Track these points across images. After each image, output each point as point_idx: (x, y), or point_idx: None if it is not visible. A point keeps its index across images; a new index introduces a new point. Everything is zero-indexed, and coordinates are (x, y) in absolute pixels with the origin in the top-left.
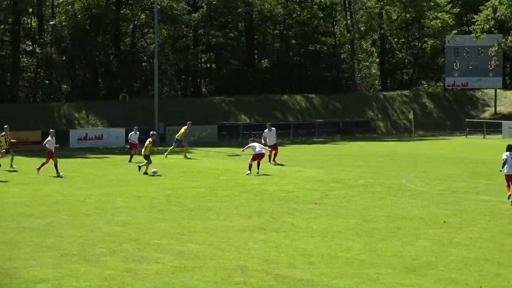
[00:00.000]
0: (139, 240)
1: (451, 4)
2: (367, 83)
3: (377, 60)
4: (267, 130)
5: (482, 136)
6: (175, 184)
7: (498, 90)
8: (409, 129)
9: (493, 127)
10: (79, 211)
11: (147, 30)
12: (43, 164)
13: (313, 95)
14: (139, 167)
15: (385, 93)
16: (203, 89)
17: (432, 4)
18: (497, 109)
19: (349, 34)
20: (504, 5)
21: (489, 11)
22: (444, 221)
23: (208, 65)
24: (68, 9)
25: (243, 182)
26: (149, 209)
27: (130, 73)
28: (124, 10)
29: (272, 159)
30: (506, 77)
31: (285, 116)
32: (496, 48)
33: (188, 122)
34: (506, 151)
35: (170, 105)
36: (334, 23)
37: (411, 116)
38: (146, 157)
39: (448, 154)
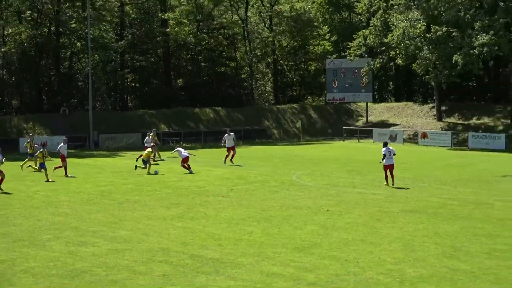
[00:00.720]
0: (79, 228)
1: (330, 34)
2: (263, 98)
3: (271, 79)
4: (226, 134)
5: (357, 140)
6: (108, 181)
7: (369, 103)
8: (298, 135)
9: (365, 133)
10: (28, 204)
11: (82, 55)
12: (60, 166)
13: (219, 108)
14: (135, 167)
15: (278, 106)
16: (130, 104)
17: (315, 34)
18: (368, 119)
19: (248, 59)
20: (372, 34)
21: (361, 39)
22: (327, 210)
23: (133, 83)
24: (17, 38)
25: (164, 180)
26: (87, 202)
27: (69, 91)
28: (63, 39)
29: (230, 159)
30: (375, 93)
31: (197, 126)
32: (367, 69)
33: (153, 130)
34: (383, 147)
35: (102, 117)
36: (236, 49)
37: (299, 125)
38: (144, 162)
39: (330, 155)
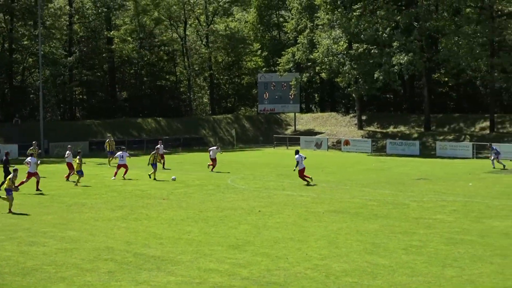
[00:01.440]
0: (30, 229)
1: (261, 50)
2: (200, 109)
3: (208, 92)
4: (215, 147)
5: (286, 147)
6: (57, 186)
7: (296, 114)
8: (232, 143)
9: (293, 141)
10: None
11: (33, 70)
12: (70, 174)
13: (160, 118)
14: (150, 175)
15: (214, 116)
16: (77, 114)
17: (248, 50)
18: (296, 128)
19: (186, 73)
20: (300, 51)
21: (289, 56)
22: (259, 211)
23: (81, 96)
24: None
25: (109, 184)
26: (37, 205)
27: (21, 102)
28: (16, 55)
29: (211, 169)
30: (302, 104)
31: (140, 134)
32: (295, 83)
33: (108, 135)
34: (296, 154)
35: (52, 127)
36: (176, 64)
37: (233, 133)
38: (153, 165)
39: (261, 161)
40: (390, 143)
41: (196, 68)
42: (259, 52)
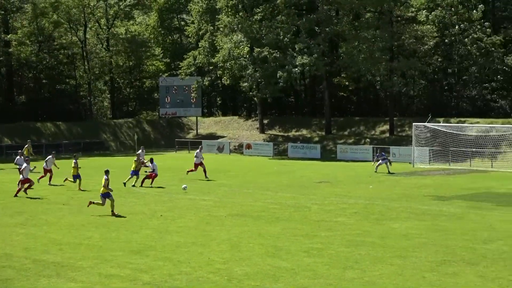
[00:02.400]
0: None
1: (162, 54)
2: (101, 113)
3: (109, 95)
4: (198, 150)
5: (188, 151)
6: None
7: (198, 117)
8: (134, 147)
9: (195, 145)
10: None
11: None
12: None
13: (60, 122)
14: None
15: (115, 120)
16: None
17: (149, 54)
18: (198, 131)
19: (86, 77)
20: (201, 55)
21: (191, 59)
22: (161, 215)
23: None
24: None
25: (7, 189)
26: None
27: None
28: None
29: (204, 175)
30: (204, 108)
31: (39, 139)
32: (196, 86)
33: (28, 141)
34: (151, 163)
35: None
36: (75, 68)
37: (135, 137)
38: (134, 173)
39: (163, 165)
40: (292, 146)
41: (96, 72)
42: (160, 55)
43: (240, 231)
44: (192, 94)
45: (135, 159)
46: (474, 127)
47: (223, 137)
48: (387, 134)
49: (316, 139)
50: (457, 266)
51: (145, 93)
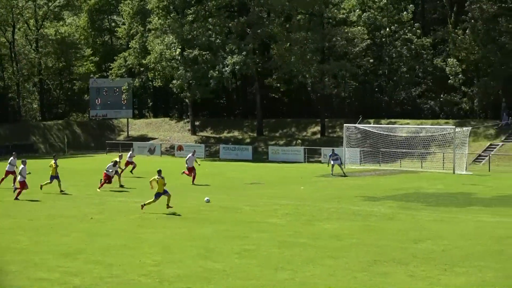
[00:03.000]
0: None
1: (93, 55)
2: (30, 115)
3: (38, 97)
4: (191, 155)
5: (119, 153)
6: None
7: (129, 119)
8: (64, 149)
9: (126, 147)
10: None
11: None
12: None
13: None
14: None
15: (44, 122)
16: None
17: (79, 55)
18: (129, 133)
19: (15, 78)
20: (132, 56)
21: (122, 61)
22: (92, 218)
23: None
24: None
25: None
26: None
27: None
28: None
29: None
30: (135, 110)
31: None
32: (127, 88)
33: None
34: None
35: None
36: (4, 69)
37: (65, 139)
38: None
39: (93, 167)
40: (223, 148)
41: (25, 73)
42: (91, 57)
43: (171, 233)
44: (123, 96)
45: (52, 163)
46: (404, 128)
47: (154, 138)
48: (319, 135)
49: (248, 140)
50: (388, 266)
51: (75, 94)
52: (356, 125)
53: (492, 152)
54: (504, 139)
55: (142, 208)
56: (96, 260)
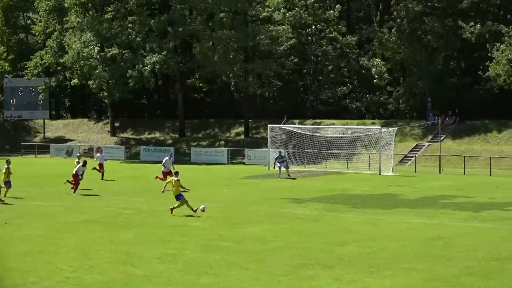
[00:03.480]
0: None
1: (7, 54)
2: None
3: None
4: (167, 158)
5: (34, 156)
6: None
7: (46, 120)
8: None
9: (43, 149)
10: None
11: None
12: None
13: None
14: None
15: None
16: None
17: None
18: (46, 135)
19: None
20: (48, 54)
21: (38, 59)
22: (6, 223)
23: None
24: None
25: None
26: None
27: None
28: None
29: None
30: (52, 110)
31: None
32: (43, 88)
33: None
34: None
35: None
36: None
37: None
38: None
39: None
40: (144, 149)
41: None
42: (4, 55)
43: (90, 237)
44: (39, 96)
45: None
46: (330, 128)
47: (72, 140)
48: (242, 136)
49: (170, 141)
50: (313, 269)
51: None
52: (281, 125)
53: (418, 153)
54: (430, 139)
55: (171, 212)
56: (11, 267)
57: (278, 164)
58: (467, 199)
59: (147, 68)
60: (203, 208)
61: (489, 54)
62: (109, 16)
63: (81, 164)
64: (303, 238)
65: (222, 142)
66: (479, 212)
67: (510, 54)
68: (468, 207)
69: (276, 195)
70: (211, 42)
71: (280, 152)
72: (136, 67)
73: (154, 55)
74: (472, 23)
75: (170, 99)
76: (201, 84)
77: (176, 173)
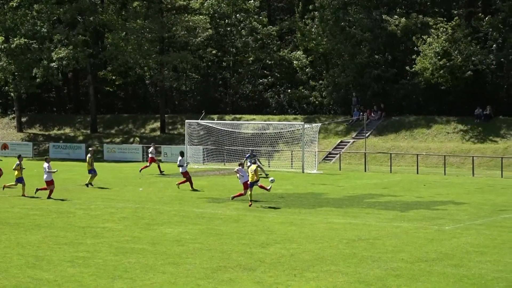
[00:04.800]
0: None
1: None
2: None
3: None
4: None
5: None
6: None
7: None
8: None
9: None
10: None
11: None
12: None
13: None
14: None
15: None
16: None
17: None
18: None
19: None
20: None
21: None
22: None
23: None
24: None
25: None
26: None
27: None
28: None
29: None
30: None
31: None
32: None
33: None
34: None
35: None
36: None
37: None
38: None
39: None
40: (54, 146)
41: None
42: None
43: None
44: None
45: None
46: (250, 124)
47: None
48: (158, 132)
49: (81, 138)
50: (233, 272)
51: None
52: (199, 121)
53: (343, 150)
54: (355, 135)
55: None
56: None
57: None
58: (393, 198)
59: (53, 64)
60: (272, 180)
61: (415, 48)
62: (14, 4)
63: (47, 164)
64: (223, 239)
65: (137, 138)
66: (406, 211)
67: (437, 47)
68: (394, 206)
69: (194, 194)
70: (124, 33)
71: (252, 150)
72: (42, 62)
73: (62, 49)
74: (396, 16)
75: (81, 93)
76: (114, 77)
77: (254, 162)
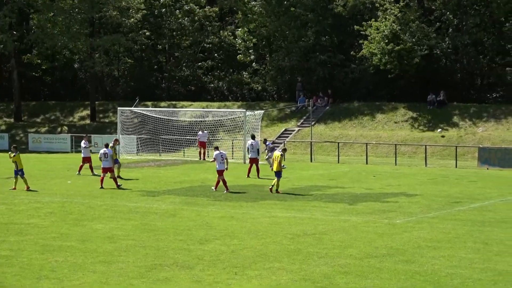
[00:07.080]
0: None
1: None
2: None
3: None
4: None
5: None
6: None
7: None
8: None
9: None
10: None
11: None
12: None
13: None
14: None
15: None
16: None
17: None
18: None
19: None
20: None
21: None
22: None
23: None
24: None
25: None
26: None
27: None
28: None
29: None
30: None
31: None
32: None
33: None
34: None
35: None
36: None
37: None
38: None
39: None
40: None
41: None
42: None
43: None
44: None
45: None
46: (188, 111)
47: None
48: (88, 121)
49: (3, 127)
50: (169, 270)
51: None
52: (132, 108)
53: (287, 139)
54: (301, 123)
55: (272, 191)
56: None
57: (270, 154)
58: (341, 190)
59: None
60: (283, 166)
61: (362, 32)
62: None
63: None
64: (158, 235)
65: (65, 127)
66: (355, 204)
67: (385, 30)
68: (342, 199)
69: (127, 187)
70: (51, 13)
71: (265, 140)
72: None
73: None
74: None
75: (4, 78)
76: (39, 61)
77: (284, 150)
